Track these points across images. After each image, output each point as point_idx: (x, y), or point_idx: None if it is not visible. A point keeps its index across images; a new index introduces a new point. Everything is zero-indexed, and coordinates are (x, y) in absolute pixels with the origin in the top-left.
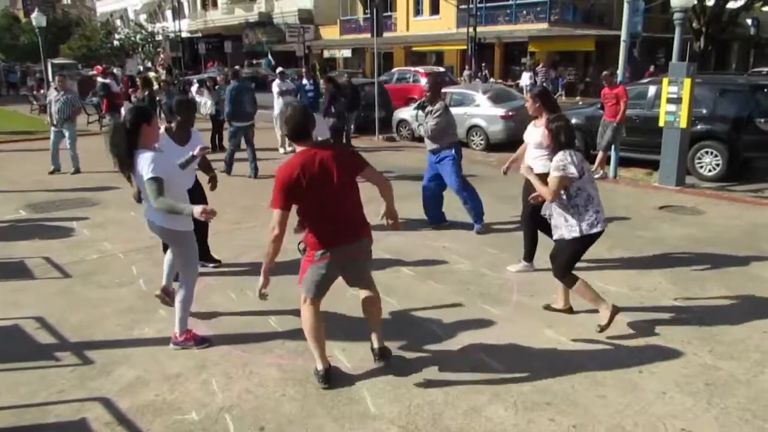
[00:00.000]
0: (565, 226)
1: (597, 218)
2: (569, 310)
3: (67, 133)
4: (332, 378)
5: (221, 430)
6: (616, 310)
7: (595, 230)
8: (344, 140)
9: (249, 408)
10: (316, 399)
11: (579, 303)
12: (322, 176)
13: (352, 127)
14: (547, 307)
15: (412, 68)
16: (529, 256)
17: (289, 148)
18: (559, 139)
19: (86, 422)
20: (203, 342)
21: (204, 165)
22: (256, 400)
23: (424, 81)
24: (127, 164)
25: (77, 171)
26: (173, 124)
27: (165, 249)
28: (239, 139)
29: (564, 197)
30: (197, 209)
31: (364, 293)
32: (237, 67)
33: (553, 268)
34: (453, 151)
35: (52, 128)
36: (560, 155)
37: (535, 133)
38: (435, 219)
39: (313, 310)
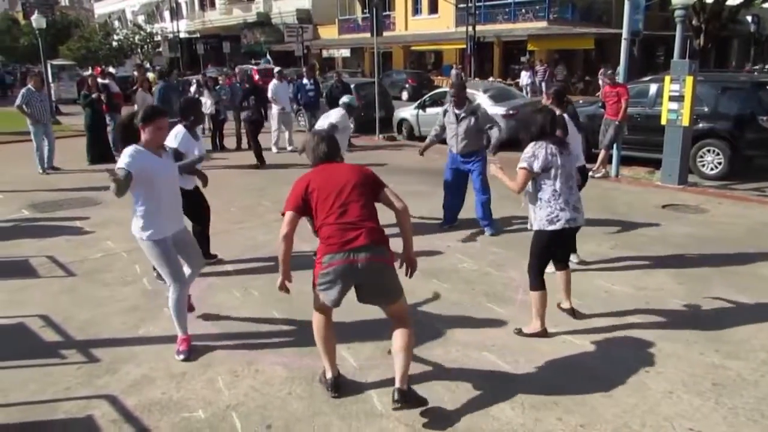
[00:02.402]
0: (532, 218)
1: (558, 216)
2: (570, 312)
3: (48, 131)
4: (341, 386)
5: (228, 428)
6: (543, 334)
7: (552, 227)
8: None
9: (255, 406)
10: (323, 397)
11: (583, 304)
12: (332, 183)
13: (351, 125)
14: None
15: None
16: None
17: (289, 147)
18: (529, 129)
19: (93, 419)
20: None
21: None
22: (263, 399)
23: None
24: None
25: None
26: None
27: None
28: None
29: (530, 190)
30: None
31: (394, 324)
32: (159, 67)
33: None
34: (483, 151)
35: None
36: (529, 148)
37: None
38: (452, 221)
39: (321, 318)
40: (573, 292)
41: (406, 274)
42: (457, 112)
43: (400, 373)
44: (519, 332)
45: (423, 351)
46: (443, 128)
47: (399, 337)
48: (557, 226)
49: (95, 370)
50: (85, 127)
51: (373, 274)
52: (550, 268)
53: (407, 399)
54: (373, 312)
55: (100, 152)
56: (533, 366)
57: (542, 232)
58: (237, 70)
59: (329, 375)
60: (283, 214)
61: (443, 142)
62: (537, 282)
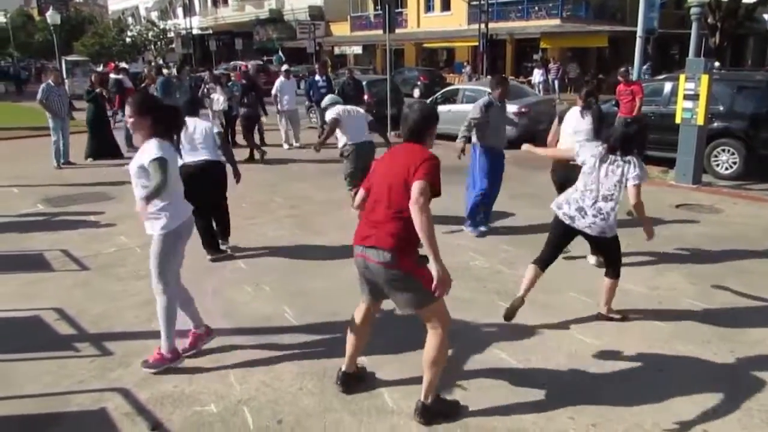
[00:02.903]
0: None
1: (564, 207)
2: (623, 318)
3: (64, 126)
4: (350, 384)
5: (240, 422)
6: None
7: (559, 211)
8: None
9: (267, 401)
10: (334, 393)
11: (596, 303)
12: (380, 173)
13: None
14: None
15: None
16: None
17: (296, 144)
18: (643, 145)
19: (106, 412)
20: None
21: None
22: (274, 394)
23: None
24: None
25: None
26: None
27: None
28: None
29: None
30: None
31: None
32: (172, 63)
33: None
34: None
35: (58, 121)
36: (638, 160)
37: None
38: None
39: (357, 308)
40: (587, 290)
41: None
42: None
43: (424, 385)
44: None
45: None
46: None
47: (425, 349)
48: (559, 213)
49: (108, 364)
50: (86, 122)
51: (380, 276)
52: (591, 259)
53: (422, 414)
54: (384, 308)
55: (100, 148)
56: (545, 364)
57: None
58: (250, 66)
59: (341, 368)
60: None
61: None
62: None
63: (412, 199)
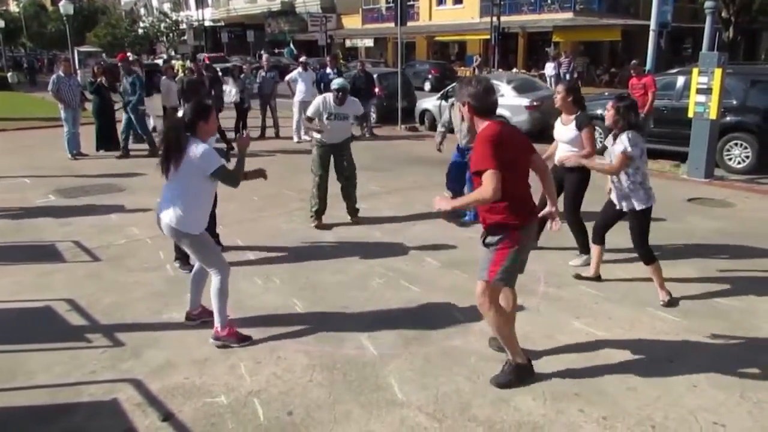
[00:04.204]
0: (634, 199)
1: (651, 191)
2: (597, 278)
3: (76, 116)
4: (532, 370)
5: (250, 413)
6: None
7: (653, 202)
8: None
9: (277, 393)
10: (344, 385)
11: (605, 296)
12: (518, 148)
13: (374, 116)
14: (578, 276)
15: None
16: (585, 247)
17: (305, 137)
18: (629, 117)
19: (118, 402)
20: (245, 340)
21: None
22: (284, 385)
23: None
24: (176, 156)
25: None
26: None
27: (179, 256)
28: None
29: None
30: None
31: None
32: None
33: (633, 242)
34: None
35: (70, 112)
36: (628, 135)
37: (565, 131)
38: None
39: (501, 307)
40: (597, 283)
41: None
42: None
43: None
44: (666, 304)
45: (443, 341)
46: (449, 122)
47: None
48: (654, 200)
49: (120, 354)
50: (92, 113)
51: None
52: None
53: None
54: (395, 301)
55: (108, 138)
56: (555, 357)
57: (648, 209)
58: (264, 58)
59: (520, 360)
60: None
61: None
62: (652, 255)
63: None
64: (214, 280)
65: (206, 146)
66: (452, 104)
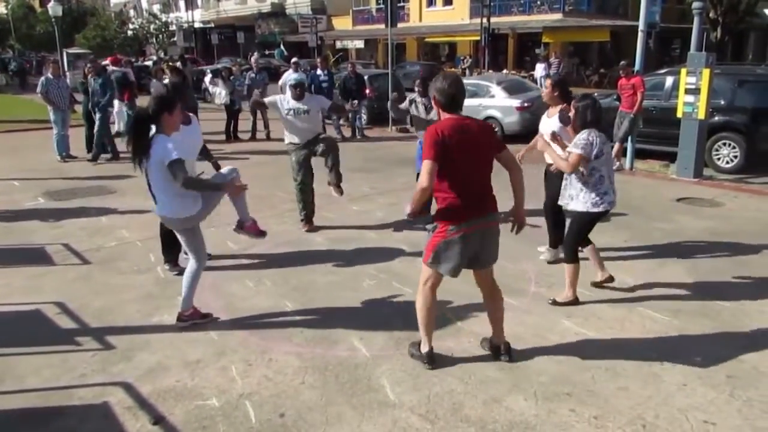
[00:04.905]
0: (576, 199)
1: (603, 199)
2: (610, 279)
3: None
4: (436, 359)
5: (242, 416)
6: (575, 302)
7: (597, 209)
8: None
9: (269, 395)
10: (336, 387)
11: (596, 296)
12: (467, 144)
13: (364, 117)
14: (596, 285)
15: None
16: (555, 243)
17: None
18: (585, 116)
19: (108, 406)
20: (206, 317)
21: (205, 153)
22: (276, 388)
23: None
24: (141, 149)
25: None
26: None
27: (168, 259)
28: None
29: (580, 173)
30: (230, 183)
31: (484, 286)
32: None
33: (565, 239)
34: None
35: (59, 113)
36: (584, 134)
37: (550, 123)
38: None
39: (432, 293)
40: (588, 283)
41: (514, 229)
42: (425, 102)
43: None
44: (554, 302)
45: (435, 342)
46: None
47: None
48: (601, 209)
49: (110, 357)
50: (82, 116)
51: (494, 236)
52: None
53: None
54: (386, 302)
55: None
56: (546, 357)
57: (587, 214)
58: (253, 60)
59: (425, 349)
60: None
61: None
62: (574, 257)
63: (513, 161)
64: (191, 264)
65: (167, 138)
66: (412, 101)
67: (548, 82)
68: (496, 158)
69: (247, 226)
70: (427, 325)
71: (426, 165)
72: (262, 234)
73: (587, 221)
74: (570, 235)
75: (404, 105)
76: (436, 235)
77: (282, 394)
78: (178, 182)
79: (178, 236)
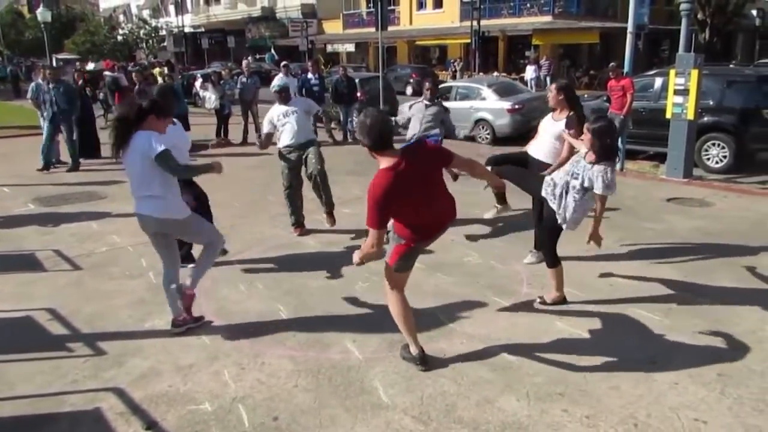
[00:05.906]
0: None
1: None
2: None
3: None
4: (428, 360)
5: (235, 420)
6: (563, 300)
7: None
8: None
9: (262, 398)
10: (329, 390)
11: (588, 296)
12: (410, 181)
13: (355, 120)
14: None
15: None
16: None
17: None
18: (605, 142)
19: (100, 412)
20: (198, 319)
21: (195, 148)
22: (269, 391)
23: None
24: (120, 144)
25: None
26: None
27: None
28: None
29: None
30: (218, 164)
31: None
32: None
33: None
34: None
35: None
36: (609, 173)
37: (555, 126)
38: None
39: (401, 296)
40: (579, 284)
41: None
42: (428, 103)
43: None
44: (542, 301)
45: (428, 343)
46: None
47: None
48: (569, 228)
49: (102, 363)
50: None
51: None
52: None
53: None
54: (379, 305)
55: (90, 146)
56: (538, 358)
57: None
58: (244, 64)
59: (414, 351)
60: None
61: None
62: (555, 260)
63: (466, 162)
64: (206, 250)
65: (151, 133)
66: (410, 106)
67: (553, 86)
68: (449, 168)
69: (186, 293)
70: (409, 328)
71: (372, 234)
72: (189, 316)
73: (560, 231)
74: (547, 239)
75: (405, 117)
76: (399, 248)
77: (275, 398)
78: (170, 172)
79: (184, 238)
